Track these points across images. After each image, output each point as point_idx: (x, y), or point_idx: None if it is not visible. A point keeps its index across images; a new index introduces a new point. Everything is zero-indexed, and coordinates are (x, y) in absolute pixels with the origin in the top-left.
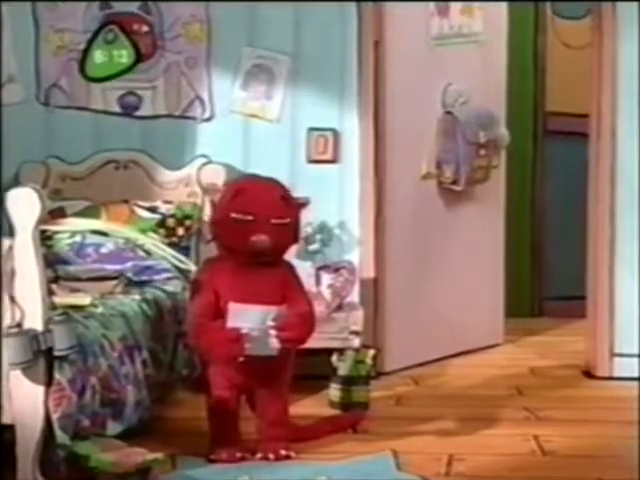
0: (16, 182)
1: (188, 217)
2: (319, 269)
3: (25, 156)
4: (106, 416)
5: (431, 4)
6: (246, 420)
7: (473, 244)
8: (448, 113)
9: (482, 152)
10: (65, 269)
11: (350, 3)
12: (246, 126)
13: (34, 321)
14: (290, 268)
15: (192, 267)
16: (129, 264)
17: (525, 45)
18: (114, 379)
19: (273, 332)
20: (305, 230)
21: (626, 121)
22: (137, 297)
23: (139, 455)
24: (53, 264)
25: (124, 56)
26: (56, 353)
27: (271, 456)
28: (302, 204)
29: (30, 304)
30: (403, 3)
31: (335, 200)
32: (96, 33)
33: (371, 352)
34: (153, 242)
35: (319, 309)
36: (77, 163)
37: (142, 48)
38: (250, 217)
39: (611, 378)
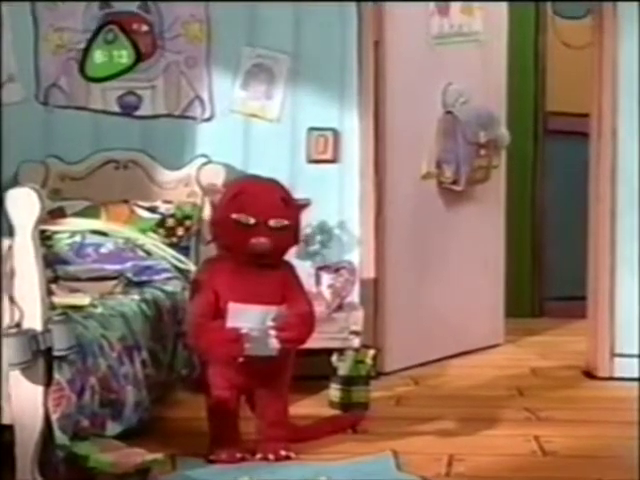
0: (15, 182)
1: (188, 217)
2: (319, 269)
3: (24, 156)
4: (105, 416)
5: (431, 3)
6: (246, 420)
7: (473, 244)
8: (448, 113)
9: (482, 152)
10: (65, 269)
11: (350, 3)
12: (246, 126)
13: (33, 321)
14: (290, 268)
15: (192, 267)
16: (129, 264)
17: (525, 45)
18: (113, 379)
19: (273, 332)
20: (305, 230)
21: (626, 121)
22: (136, 297)
23: (138, 455)
24: (53, 264)
25: (124, 56)
26: (55, 353)
27: (271, 456)
28: (302, 205)
29: (29, 304)
30: (403, 3)
31: (335, 200)
32: (96, 33)
33: (371, 352)
34: (153, 242)
35: (319, 309)
36: (77, 163)
37: (142, 48)
38: (250, 219)
39: (612, 378)
